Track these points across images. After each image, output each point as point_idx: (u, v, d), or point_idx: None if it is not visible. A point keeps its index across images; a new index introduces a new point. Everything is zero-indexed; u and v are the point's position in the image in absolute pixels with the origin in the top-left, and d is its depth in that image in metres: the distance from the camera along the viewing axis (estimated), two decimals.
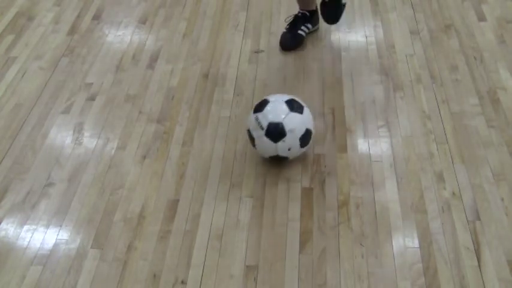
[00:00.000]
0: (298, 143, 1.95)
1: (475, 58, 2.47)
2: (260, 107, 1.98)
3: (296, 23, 2.57)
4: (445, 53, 2.52)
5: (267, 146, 1.96)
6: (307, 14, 2.57)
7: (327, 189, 1.96)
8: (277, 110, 1.95)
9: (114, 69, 2.52)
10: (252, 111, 2.00)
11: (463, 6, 2.78)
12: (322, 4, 2.53)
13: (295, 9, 2.61)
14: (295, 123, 1.94)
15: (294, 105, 1.96)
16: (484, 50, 2.51)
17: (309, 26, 2.59)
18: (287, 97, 2.00)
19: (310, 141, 2.01)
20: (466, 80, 2.37)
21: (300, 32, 2.57)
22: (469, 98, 2.28)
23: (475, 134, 2.13)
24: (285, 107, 1.95)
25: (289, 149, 1.96)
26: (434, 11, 2.77)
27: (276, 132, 1.93)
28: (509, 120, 2.18)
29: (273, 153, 1.97)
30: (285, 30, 2.60)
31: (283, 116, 1.93)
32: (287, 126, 1.92)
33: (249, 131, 2.00)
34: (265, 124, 1.93)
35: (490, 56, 2.47)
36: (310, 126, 1.99)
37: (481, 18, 2.70)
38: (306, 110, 1.99)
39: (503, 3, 2.79)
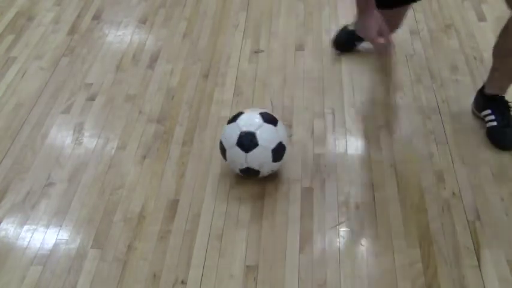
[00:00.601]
0: (274, 164, 1.91)
1: (475, 58, 2.47)
2: (223, 154, 1.94)
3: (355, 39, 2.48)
4: (445, 53, 2.52)
5: (237, 157, 1.91)
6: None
7: (327, 189, 1.96)
8: (236, 157, 1.89)
9: (114, 69, 2.52)
10: (226, 123, 1.96)
11: (463, 6, 2.78)
12: (495, 130, 2.10)
13: (296, 8, 2.60)
14: (260, 158, 1.87)
15: (246, 143, 1.86)
16: (484, 50, 2.51)
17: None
18: (237, 132, 1.88)
19: (286, 147, 1.94)
20: (466, 80, 2.37)
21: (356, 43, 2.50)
22: (469, 98, 2.28)
23: (475, 134, 2.13)
24: (241, 152, 1.86)
25: (272, 170, 1.95)
26: (434, 11, 2.77)
27: (251, 173, 1.92)
28: None
29: (243, 166, 1.91)
30: (344, 29, 2.52)
31: (244, 160, 1.87)
32: (254, 165, 1.88)
33: (221, 142, 1.96)
34: (237, 171, 1.94)
35: (490, 56, 2.46)
36: (274, 143, 1.88)
37: (481, 18, 2.70)
38: (259, 133, 1.87)
39: (503, 3, 2.78)
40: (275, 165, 1.94)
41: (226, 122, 2.20)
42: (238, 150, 1.87)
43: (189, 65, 2.52)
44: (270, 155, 1.88)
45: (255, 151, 1.86)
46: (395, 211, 1.88)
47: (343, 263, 1.74)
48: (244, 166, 1.89)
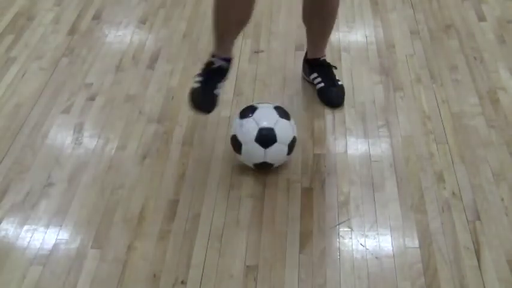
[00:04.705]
0: (287, 157, 1.96)
1: (475, 58, 2.47)
2: (238, 148, 1.94)
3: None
4: (445, 53, 2.52)
5: (255, 152, 1.93)
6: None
7: (327, 189, 1.96)
8: (254, 153, 1.92)
9: (114, 69, 2.52)
10: (238, 117, 1.97)
11: (463, 6, 2.78)
12: (324, 91, 2.29)
13: (296, 8, 2.60)
14: (277, 153, 1.93)
15: (265, 139, 1.90)
16: (484, 50, 2.51)
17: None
18: (255, 128, 1.91)
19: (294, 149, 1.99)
20: (466, 80, 2.37)
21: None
22: (469, 98, 2.28)
23: (475, 134, 2.13)
24: (259, 148, 1.90)
25: (284, 161, 1.98)
26: (434, 11, 2.77)
27: (265, 166, 1.95)
28: (509, 120, 2.18)
29: (260, 160, 1.94)
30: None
31: (262, 156, 1.91)
32: (271, 159, 1.93)
33: (235, 136, 1.95)
34: (251, 165, 1.96)
35: (490, 56, 2.47)
36: (290, 139, 1.94)
37: (481, 18, 2.70)
38: (277, 129, 1.91)
39: (503, 3, 2.79)
40: (288, 158, 1.98)
41: (226, 122, 2.20)
42: (256, 146, 1.90)
43: (189, 65, 2.52)
44: (286, 149, 1.93)
45: (273, 147, 1.90)
46: (395, 211, 1.88)
47: (343, 263, 1.74)
48: (261, 161, 1.92)
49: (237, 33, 2.02)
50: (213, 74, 2.03)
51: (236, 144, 1.95)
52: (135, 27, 2.78)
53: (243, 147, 1.92)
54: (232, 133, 1.97)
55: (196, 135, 2.18)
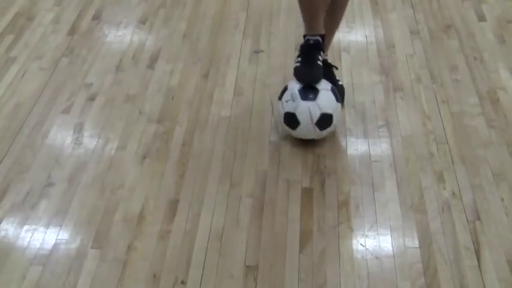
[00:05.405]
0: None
1: (475, 58, 2.47)
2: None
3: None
4: (445, 53, 2.52)
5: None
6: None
7: (327, 189, 1.96)
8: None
9: (114, 69, 2.52)
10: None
11: (463, 6, 2.78)
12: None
13: (296, 8, 2.60)
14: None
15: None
16: (484, 50, 2.51)
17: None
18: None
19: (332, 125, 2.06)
20: (466, 80, 2.37)
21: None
22: (469, 98, 2.28)
23: (475, 134, 2.13)
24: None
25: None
26: (434, 11, 2.77)
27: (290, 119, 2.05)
28: (509, 120, 2.18)
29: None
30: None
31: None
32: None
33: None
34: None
35: (490, 56, 2.47)
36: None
37: (481, 18, 2.70)
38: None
39: (503, 3, 2.79)
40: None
41: (226, 122, 2.20)
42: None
43: (189, 65, 2.52)
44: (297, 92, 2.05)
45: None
46: (396, 211, 1.88)
47: (343, 263, 1.74)
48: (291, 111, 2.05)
49: (323, 12, 2.07)
50: (312, 48, 2.10)
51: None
52: (135, 27, 2.78)
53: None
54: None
55: (196, 135, 2.18)
